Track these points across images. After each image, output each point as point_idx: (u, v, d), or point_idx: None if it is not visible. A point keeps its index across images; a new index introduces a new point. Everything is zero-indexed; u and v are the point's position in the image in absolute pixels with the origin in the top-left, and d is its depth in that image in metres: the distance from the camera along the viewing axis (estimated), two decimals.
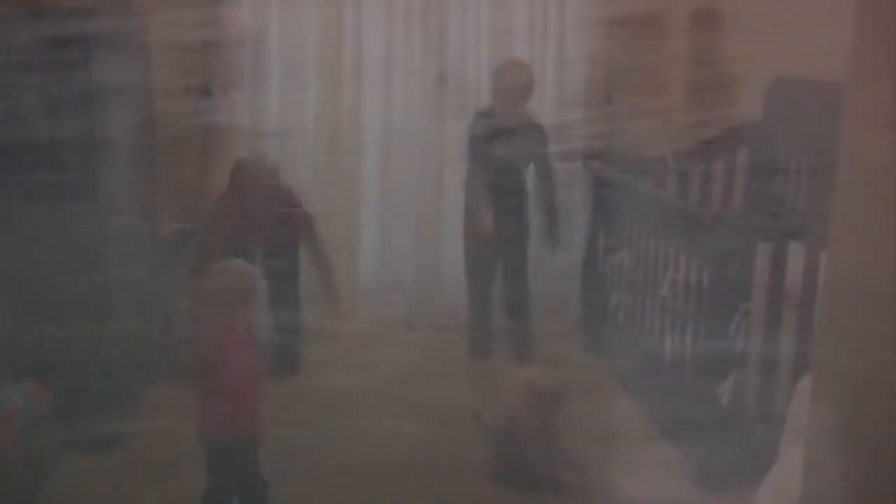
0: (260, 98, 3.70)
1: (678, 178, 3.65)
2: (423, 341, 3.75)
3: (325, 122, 3.72)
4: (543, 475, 2.59)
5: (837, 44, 1.08)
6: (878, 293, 0.88)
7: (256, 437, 2.26)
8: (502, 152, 3.28)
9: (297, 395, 3.15)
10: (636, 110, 3.91)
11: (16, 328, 2.53)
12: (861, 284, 0.93)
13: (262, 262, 3.18)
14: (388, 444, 2.81)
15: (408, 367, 3.46)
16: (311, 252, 3.21)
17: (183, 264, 3.69)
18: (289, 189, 3.25)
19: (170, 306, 3.59)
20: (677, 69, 3.93)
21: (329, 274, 3.14)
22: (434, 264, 3.90)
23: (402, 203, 3.86)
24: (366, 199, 3.86)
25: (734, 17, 3.89)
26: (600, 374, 3.41)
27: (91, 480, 2.54)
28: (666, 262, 2.92)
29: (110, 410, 2.71)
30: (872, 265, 0.90)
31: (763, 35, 3.73)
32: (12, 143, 2.51)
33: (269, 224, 3.14)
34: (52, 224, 2.57)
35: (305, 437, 2.84)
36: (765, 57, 3.67)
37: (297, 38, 3.66)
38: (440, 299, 3.91)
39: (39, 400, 2.47)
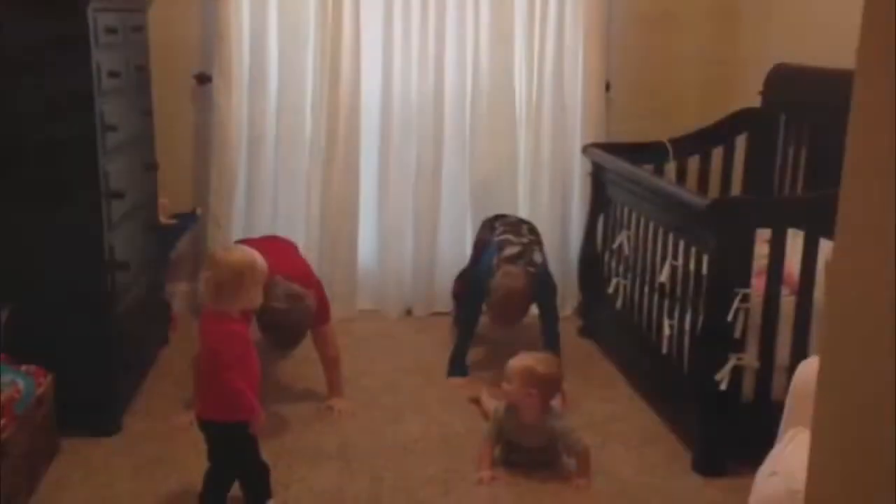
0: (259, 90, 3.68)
1: (677, 165, 3.65)
2: (421, 327, 3.76)
3: (323, 112, 3.68)
4: (543, 460, 2.60)
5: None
6: (884, 292, 0.88)
7: (255, 424, 2.27)
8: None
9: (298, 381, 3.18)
10: (635, 97, 3.93)
11: (17, 313, 2.53)
12: (865, 284, 0.93)
13: None
14: (388, 429, 2.83)
15: (407, 353, 3.48)
16: (319, 344, 2.96)
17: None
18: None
19: (168, 293, 3.60)
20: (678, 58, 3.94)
21: (334, 366, 2.97)
22: (431, 253, 3.90)
23: (400, 193, 3.85)
24: (365, 189, 3.85)
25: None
26: (596, 360, 3.44)
27: (93, 464, 2.55)
28: (665, 248, 2.93)
29: (111, 396, 2.73)
30: (878, 263, 0.90)
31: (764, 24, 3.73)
32: (12, 129, 2.51)
33: None
34: (53, 210, 2.56)
35: (308, 420, 2.86)
36: (765, 45, 3.68)
37: (296, 27, 3.63)
38: (437, 286, 3.91)
39: (40, 383, 2.48)
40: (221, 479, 2.32)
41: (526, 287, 3.10)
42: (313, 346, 2.98)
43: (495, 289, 3.09)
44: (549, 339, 3.21)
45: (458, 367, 3.25)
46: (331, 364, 2.98)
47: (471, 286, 3.36)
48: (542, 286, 3.19)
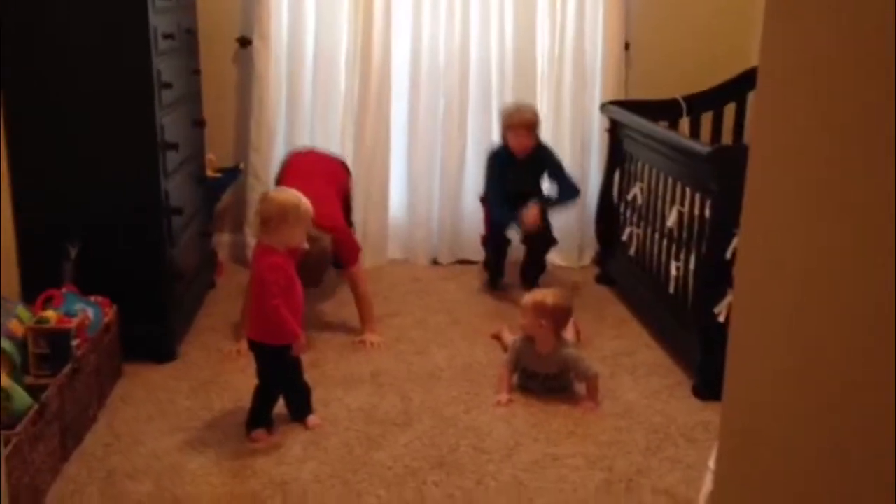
0: (296, 52, 3.93)
1: (691, 121, 3.85)
2: (447, 275, 4.02)
3: (356, 73, 3.92)
4: (556, 386, 2.86)
5: None
6: (787, 289, 0.99)
7: (296, 347, 2.55)
8: (516, 176, 3.68)
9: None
10: (653, 57, 4.11)
11: (85, 251, 2.84)
12: (770, 279, 1.03)
13: None
14: (416, 359, 3.10)
15: (434, 296, 3.75)
16: (350, 284, 3.30)
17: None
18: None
19: (215, 243, 3.90)
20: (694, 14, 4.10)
21: (366, 304, 3.26)
22: (457, 204, 4.14)
23: (428, 148, 4.09)
24: (395, 145, 4.09)
25: None
26: (612, 303, 3.68)
27: (154, 385, 2.86)
28: (673, 196, 3.15)
29: (167, 327, 3.04)
30: (782, 254, 1.01)
31: None
32: (80, 87, 2.80)
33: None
34: (116, 158, 2.86)
35: (344, 352, 3.15)
36: None
37: None
38: (462, 237, 4.17)
39: (106, 313, 2.79)
40: (268, 396, 2.61)
41: (532, 110, 3.69)
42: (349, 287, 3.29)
43: (506, 120, 3.66)
44: (566, 190, 3.67)
45: (502, 212, 3.67)
46: (363, 302, 3.27)
47: (488, 161, 3.76)
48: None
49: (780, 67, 1.06)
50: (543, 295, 2.84)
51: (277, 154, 4.00)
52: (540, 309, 2.78)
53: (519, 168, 3.67)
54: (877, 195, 0.84)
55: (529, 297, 2.84)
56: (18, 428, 2.07)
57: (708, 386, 2.81)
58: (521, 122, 3.62)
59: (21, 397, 2.18)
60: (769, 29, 1.06)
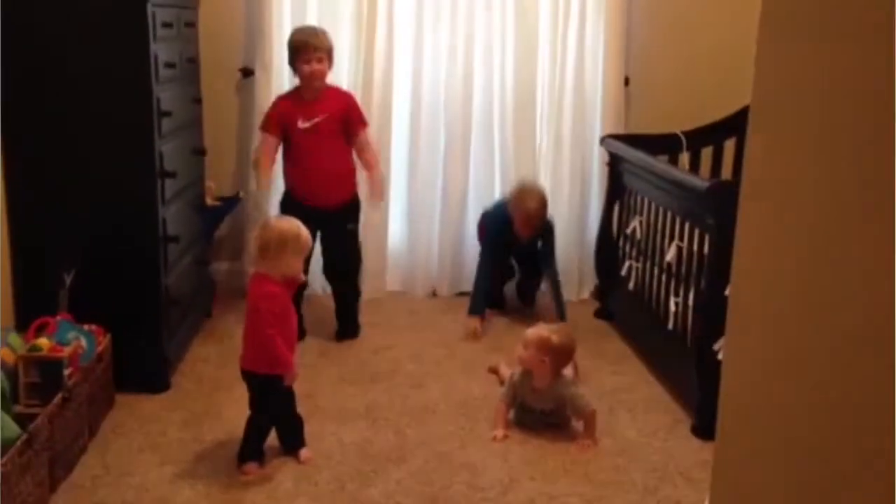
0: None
1: (690, 155, 3.85)
2: (445, 307, 3.99)
3: (358, 96, 3.92)
4: (553, 422, 2.82)
5: None
6: (783, 300, 0.99)
7: (289, 377, 2.52)
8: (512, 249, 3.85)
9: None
10: (653, 92, 4.12)
11: (80, 278, 2.82)
12: (767, 291, 1.04)
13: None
14: (411, 393, 3.07)
15: (431, 329, 3.72)
16: (359, 150, 3.51)
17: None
18: None
19: (213, 271, 3.88)
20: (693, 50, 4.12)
21: (373, 170, 3.47)
22: (457, 237, 4.13)
23: (428, 181, 4.08)
24: (395, 178, 4.09)
25: None
26: (611, 339, 3.64)
27: (146, 415, 2.82)
28: (672, 230, 3.14)
29: (162, 357, 3.00)
30: (778, 265, 1.01)
31: None
32: (79, 113, 2.80)
33: None
34: (113, 186, 2.85)
35: (337, 385, 3.12)
36: None
37: (334, 23, 3.88)
38: (462, 269, 4.14)
39: (100, 341, 2.76)
40: (260, 427, 2.57)
41: (542, 203, 3.65)
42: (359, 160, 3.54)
43: (514, 208, 3.65)
44: (557, 306, 3.67)
45: (477, 305, 3.68)
46: (370, 167, 3.49)
47: (487, 228, 3.82)
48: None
49: (772, 103, 1.06)
50: (549, 332, 2.80)
51: (277, 184, 3.98)
52: (544, 345, 2.74)
53: (517, 239, 3.75)
54: (869, 230, 0.83)
55: (534, 332, 2.81)
56: (5, 458, 2.04)
57: (707, 424, 2.76)
58: (527, 217, 3.62)
59: (9, 426, 2.14)
60: (761, 66, 1.06)
